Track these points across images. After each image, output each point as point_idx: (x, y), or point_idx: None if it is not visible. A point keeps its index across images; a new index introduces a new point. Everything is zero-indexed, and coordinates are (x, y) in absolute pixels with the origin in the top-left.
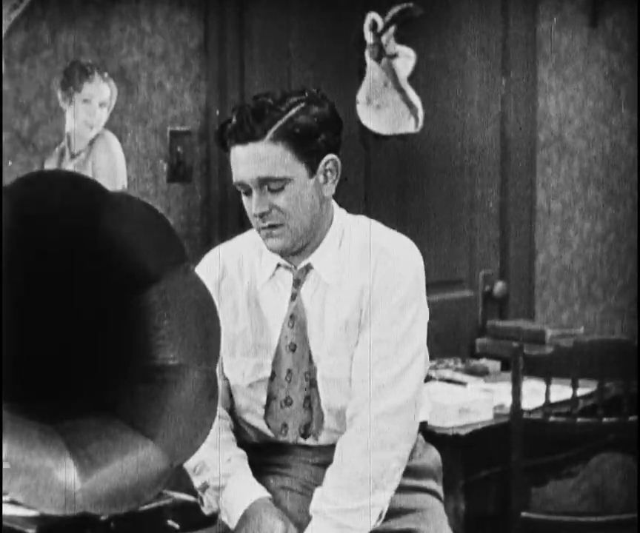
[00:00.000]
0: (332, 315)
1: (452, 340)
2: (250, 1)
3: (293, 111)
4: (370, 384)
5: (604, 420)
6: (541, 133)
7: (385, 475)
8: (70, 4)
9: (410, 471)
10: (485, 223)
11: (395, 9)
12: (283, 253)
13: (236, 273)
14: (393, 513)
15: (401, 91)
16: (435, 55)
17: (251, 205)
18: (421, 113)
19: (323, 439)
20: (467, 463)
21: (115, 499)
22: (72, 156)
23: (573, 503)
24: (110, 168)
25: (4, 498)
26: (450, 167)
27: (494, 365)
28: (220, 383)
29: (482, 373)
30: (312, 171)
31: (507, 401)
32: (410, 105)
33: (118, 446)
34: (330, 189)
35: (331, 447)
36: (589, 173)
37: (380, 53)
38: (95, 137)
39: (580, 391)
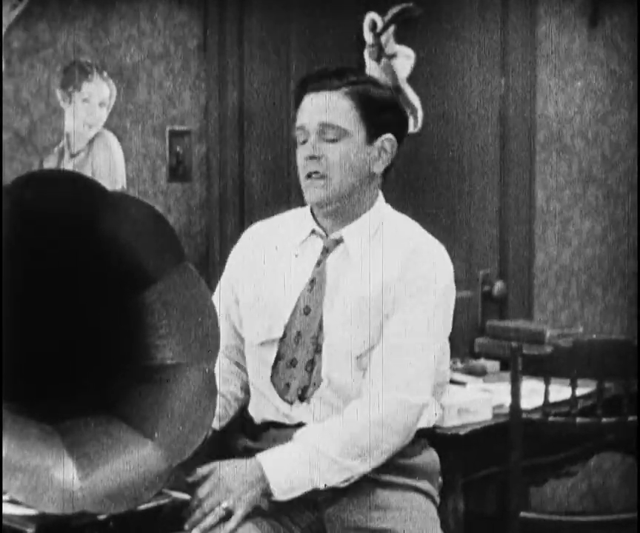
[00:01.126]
0: (351, 290)
1: (451, 340)
2: (250, 1)
3: (371, 83)
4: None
5: (604, 420)
6: (541, 133)
7: (374, 452)
8: (70, 3)
9: (405, 470)
10: (484, 223)
11: (395, 10)
12: (320, 205)
13: (268, 239)
14: (380, 507)
15: (400, 91)
16: (434, 56)
17: (304, 150)
18: (420, 113)
19: (319, 412)
20: (466, 462)
21: (114, 498)
22: (72, 156)
23: (572, 502)
24: (110, 167)
25: (4, 497)
26: (449, 167)
27: (493, 365)
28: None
29: (481, 373)
30: (371, 139)
31: (506, 401)
32: (409, 105)
33: (117, 445)
34: (379, 167)
35: None
36: (588, 173)
37: (379, 53)
38: (94, 136)
39: (579, 391)
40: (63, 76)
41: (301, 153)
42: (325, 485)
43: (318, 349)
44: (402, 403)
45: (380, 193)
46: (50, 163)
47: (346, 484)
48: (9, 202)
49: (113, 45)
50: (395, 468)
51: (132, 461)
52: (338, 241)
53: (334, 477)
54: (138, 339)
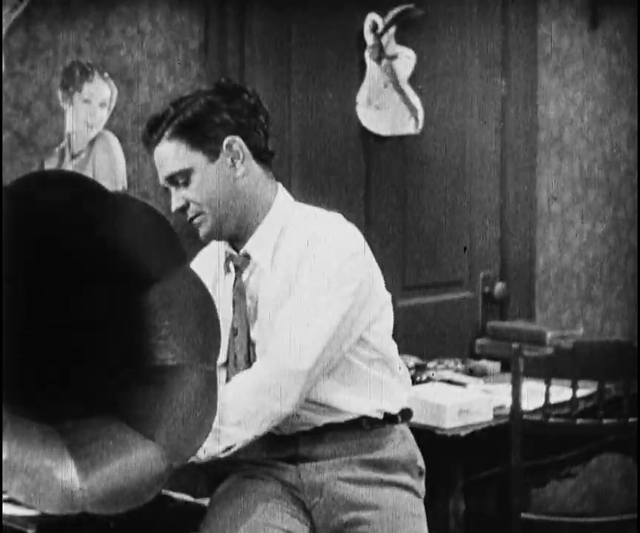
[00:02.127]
0: (267, 299)
1: (452, 341)
2: (250, 1)
3: (187, 108)
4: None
5: (604, 421)
6: (541, 134)
7: (255, 419)
8: (70, 4)
9: (380, 464)
10: (485, 224)
11: (396, 11)
12: (211, 238)
13: (204, 269)
14: (355, 507)
15: (401, 92)
16: (435, 57)
17: (171, 203)
18: (421, 114)
19: (284, 427)
20: (466, 463)
21: (115, 499)
22: (73, 156)
23: (573, 503)
24: (110, 168)
25: (4, 497)
26: (450, 168)
27: (494, 366)
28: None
29: (482, 374)
30: (213, 156)
31: (507, 402)
32: (410, 106)
33: (118, 446)
34: (239, 170)
35: (293, 438)
36: (589, 174)
37: (380, 54)
38: (95, 137)
39: (580, 393)
40: (63, 77)
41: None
42: (207, 455)
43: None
44: (283, 369)
45: (279, 188)
46: (50, 164)
47: (228, 453)
48: (9, 202)
49: (114, 46)
50: (367, 463)
51: (132, 462)
52: (247, 256)
53: (214, 446)
54: (138, 340)
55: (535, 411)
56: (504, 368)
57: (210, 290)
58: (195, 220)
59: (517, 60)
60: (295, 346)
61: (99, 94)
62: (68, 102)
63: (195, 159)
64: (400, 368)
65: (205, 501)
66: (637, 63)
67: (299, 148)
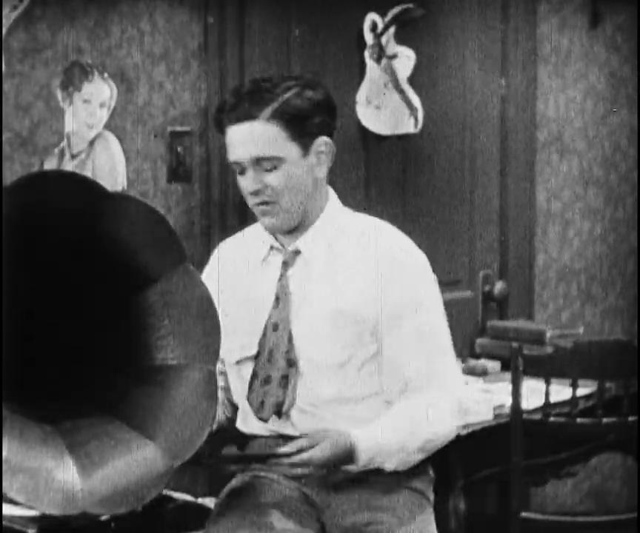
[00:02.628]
0: (318, 301)
1: (451, 340)
2: (250, 1)
3: (288, 94)
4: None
5: (604, 420)
6: (541, 134)
7: (435, 446)
8: (70, 4)
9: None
10: (485, 223)
11: (395, 10)
12: (276, 231)
13: (233, 257)
14: (371, 509)
15: (400, 91)
16: (435, 56)
17: (246, 183)
18: (420, 114)
19: (301, 427)
20: (466, 463)
21: (116, 499)
22: (72, 156)
23: (573, 503)
24: (110, 168)
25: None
26: (450, 167)
27: (494, 365)
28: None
29: (482, 373)
30: (305, 151)
31: (507, 401)
32: (409, 105)
33: (118, 446)
34: (322, 171)
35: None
36: (589, 174)
37: (380, 54)
38: (95, 137)
39: (580, 392)
40: (63, 77)
41: (243, 184)
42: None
43: (290, 364)
44: (454, 398)
45: (330, 191)
46: (50, 164)
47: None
48: (9, 203)
49: (114, 46)
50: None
51: (133, 462)
52: (297, 253)
53: (401, 464)
54: (138, 339)
55: (535, 411)
56: (504, 367)
57: (241, 284)
58: (267, 208)
59: (517, 59)
60: (449, 374)
61: (99, 94)
62: (68, 102)
63: (290, 150)
64: None
65: (205, 501)
66: (637, 62)
67: None
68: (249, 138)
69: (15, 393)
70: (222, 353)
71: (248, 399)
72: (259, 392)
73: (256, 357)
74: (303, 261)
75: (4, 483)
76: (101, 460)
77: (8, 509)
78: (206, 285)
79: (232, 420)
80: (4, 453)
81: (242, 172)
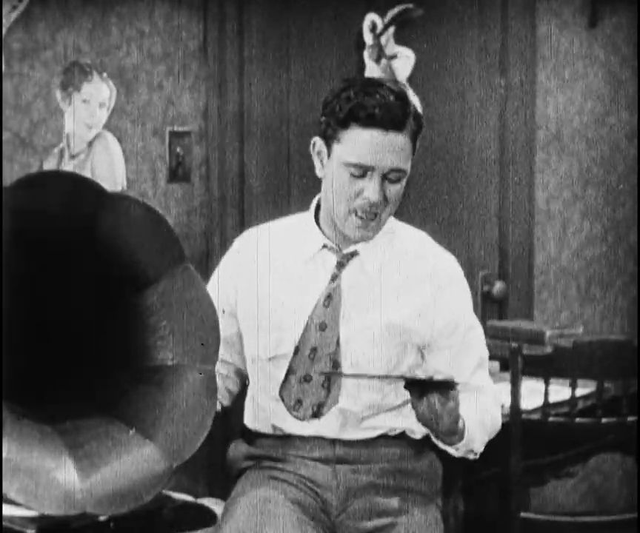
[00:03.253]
0: (373, 308)
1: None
2: (250, 1)
3: (411, 105)
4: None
5: (603, 420)
6: (540, 134)
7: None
8: (69, 4)
9: (406, 474)
10: (484, 224)
11: (395, 10)
12: (362, 241)
13: (269, 248)
14: (388, 514)
15: None
16: (434, 56)
17: (362, 190)
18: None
19: (325, 430)
20: (466, 463)
21: (115, 499)
22: (72, 156)
23: (572, 503)
24: (109, 168)
25: (4, 498)
26: (449, 168)
27: (493, 365)
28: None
29: None
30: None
31: (506, 401)
32: None
33: (118, 446)
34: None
35: (331, 442)
36: (588, 174)
37: (379, 54)
38: (94, 137)
39: (579, 392)
40: (63, 77)
41: (354, 189)
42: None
43: (335, 365)
44: (496, 396)
45: None
46: (49, 164)
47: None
48: (9, 203)
49: (113, 46)
50: (400, 473)
51: (132, 462)
52: (354, 254)
53: (464, 451)
54: (138, 340)
55: (534, 411)
56: (503, 367)
57: (279, 278)
58: (367, 221)
59: (516, 59)
60: (488, 382)
61: (98, 94)
62: (67, 102)
63: (409, 165)
64: None
65: (205, 501)
66: (636, 62)
67: (298, 147)
68: (392, 149)
69: (15, 393)
70: (250, 349)
71: (281, 395)
72: (296, 390)
73: (295, 354)
74: (359, 264)
75: (4, 483)
76: (100, 461)
77: (8, 509)
78: (205, 285)
79: (226, 410)
80: (4, 453)
81: (360, 176)
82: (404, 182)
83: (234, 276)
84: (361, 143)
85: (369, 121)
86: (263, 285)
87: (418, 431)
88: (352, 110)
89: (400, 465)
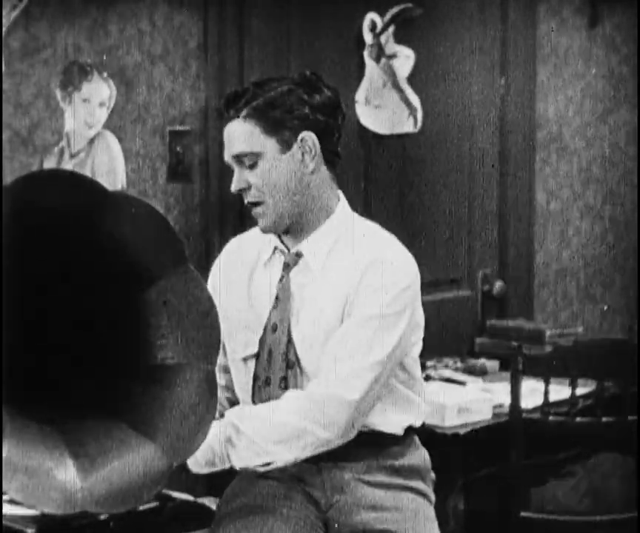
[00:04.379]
0: (314, 304)
1: (451, 340)
2: (250, 1)
3: (272, 93)
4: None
5: (603, 419)
6: (540, 133)
7: (298, 442)
8: (70, 3)
9: (397, 470)
10: (484, 223)
11: (395, 10)
12: (269, 232)
13: (242, 255)
14: (376, 508)
15: (400, 91)
16: (434, 56)
17: (232, 184)
18: (420, 113)
19: None
20: (466, 462)
21: (115, 498)
22: (72, 156)
23: (572, 502)
24: (110, 168)
25: (4, 497)
26: (449, 167)
27: (493, 364)
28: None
29: (481, 372)
30: (286, 146)
31: (506, 401)
32: (409, 105)
33: (118, 445)
34: (308, 166)
35: None
36: (588, 173)
37: (379, 53)
38: (94, 136)
39: (579, 391)
40: (63, 76)
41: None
42: (242, 465)
43: (289, 365)
44: (333, 398)
45: (340, 196)
46: (49, 164)
47: (266, 469)
48: (9, 202)
49: (113, 45)
50: (386, 469)
51: (132, 461)
52: (299, 255)
53: (252, 459)
54: (138, 339)
55: (534, 410)
56: (503, 366)
57: (245, 282)
58: (256, 210)
59: (516, 58)
60: (347, 376)
61: (98, 93)
62: (67, 102)
63: (266, 145)
64: (422, 384)
65: (205, 501)
66: (636, 61)
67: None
68: (229, 138)
69: (15, 393)
70: (229, 349)
71: (252, 400)
72: (262, 394)
73: (257, 357)
74: (304, 264)
75: (4, 483)
76: (100, 460)
77: (8, 509)
78: (205, 284)
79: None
80: (4, 453)
81: (231, 173)
82: (266, 164)
83: (217, 283)
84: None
85: (220, 118)
86: (234, 290)
87: (398, 427)
88: (217, 113)
89: (386, 460)
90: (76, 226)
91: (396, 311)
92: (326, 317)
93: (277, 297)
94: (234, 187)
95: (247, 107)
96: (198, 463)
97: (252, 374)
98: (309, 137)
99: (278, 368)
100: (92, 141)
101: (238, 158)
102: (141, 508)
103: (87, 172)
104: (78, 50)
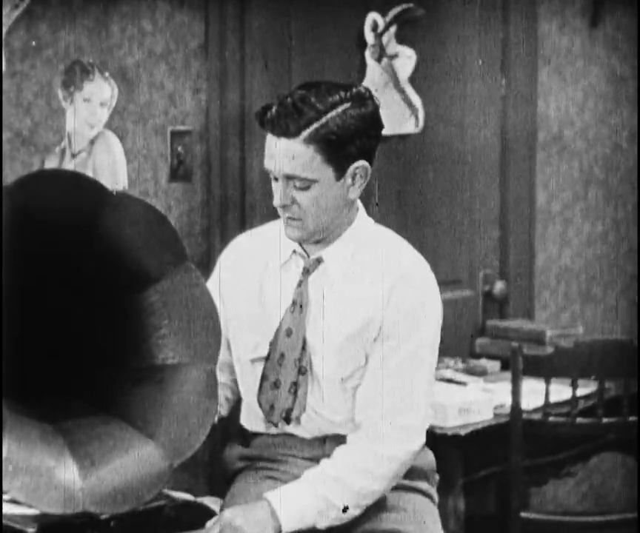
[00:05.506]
0: (334, 313)
1: (452, 340)
2: (251, 0)
3: (332, 113)
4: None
5: (604, 420)
6: (541, 133)
7: (364, 500)
8: (71, 3)
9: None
10: (485, 223)
11: (396, 10)
12: (297, 241)
13: (252, 254)
14: (382, 509)
15: (401, 91)
16: (435, 56)
17: (275, 194)
18: (421, 113)
19: (310, 431)
20: (466, 462)
21: (116, 498)
22: (73, 155)
23: (573, 502)
24: (111, 167)
25: (5, 497)
26: (450, 167)
27: (494, 365)
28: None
29: (482, 373)
30: (340, 174)
31: (507, 401)
32: (410, 105)
33: (119, 445)
34: (355, 192)
35: (320, 441)
36: (589, 173)
37: (380, 53)
38: (95, 136)
39: (580, 392)
40: (64, 76)
41: (273, 192)
42: (326, 527)
43: (301, 371)
44: (393, 456)
45: (359, 204)
46: (51, 163)
47: (337, 523)
48: (10, 202)
49: (114, 45)
50: None
51: (133, 461)
52: (319, 261)
53: (337, 522)
54: (139, 339)
55: (534, 411)
56: (504, 367)
57: (256, 282)
58: (293, 222)
59: (517, 59)
60: (403, 429)
61: (100, 93)
62: (69, 101)
63: (324, 173)
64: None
65: (205, 501)
66: (637, 62)
67: None
68: (284, 155)
69: (16, 392)
70: (237, 350)
71: (259, 400)
72: (269, 396)
73: (267, 359)
74: (323, 270)
75: (5, 482)
76: (101, 459)
77: (8, 508)
78: (206, 284)
79: (223, 418)
80: (5, 452)
81: (275, 179)
82: (318, 190)
83: (227, 279)
84: (266, 146)
85: (266, 127)
86: (245, 288)
87: None
88: (258, 115)
89: None
90: (77, 226)
91: (432, 343)
92: (345, 327)
93: (294, 302)
94: (279, 202)
95: (307, 129)
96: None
97: (260, 375)
98: (363, 167)
99: (289, 372)
100: (93, 140)
101: (291, 177)
102: (142, 507)
103: (88, 172)
104: (80, 50)
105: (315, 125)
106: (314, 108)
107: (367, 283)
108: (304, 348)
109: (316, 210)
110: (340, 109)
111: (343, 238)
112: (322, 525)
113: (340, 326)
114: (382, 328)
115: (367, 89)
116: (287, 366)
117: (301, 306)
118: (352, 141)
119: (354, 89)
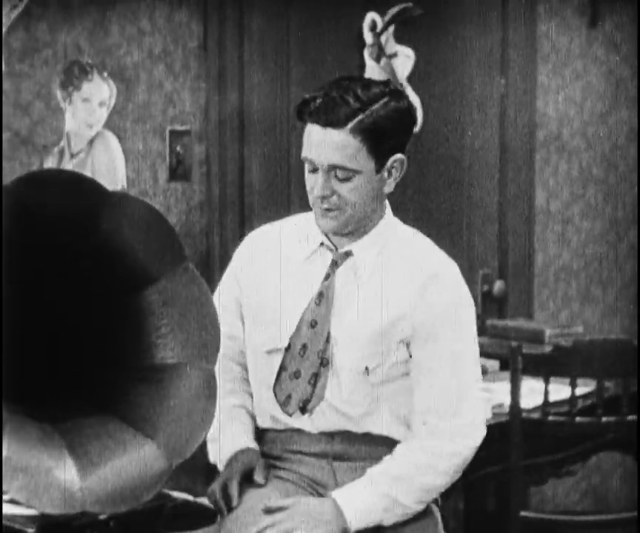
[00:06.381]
0: (361, 308)
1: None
2: (250, 1)
3: (376, 105)
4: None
5: (603, 419)
6: (540, 133)
7: (428, 495)
8: (70, 3)
9: None
10: (484, 223)
11: (395, 9)
12: (331, 232)
13: (275, 245)
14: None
15: None
16: (434, 55)
17: (314, 184)
18: (420, 113)
19: (320, 426)
20: None
21: (115, 498)
22: (72, 155)
23: (572, 502)
24: (110, 167)
25: (5, 497)
26: (449, 166)
27: (493, 364)
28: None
29: (481, 372)
30: (380, 167)
31: (506, 400)
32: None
33: (118, 445)
34: (390, 186)
35: (328, 437)
36: (588, 173)
37: (379, 53)
38: (94, 136)
39: (579, 391)
40: (63, 76)
41: (311, 183)
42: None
43: (323, 363)
44: (456, 452)
45: (387, 202)
46: (49, 163)
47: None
48: (9, 202)
49: (113, 45)
50: None
51: (132, 461)
52: (347, 255)
53: (403, 518)
54: (138, 338)
55: (534, 410)
56: (503, 366)
57: (276, 274)
58: (330, 213)
59: (516, 58)
60: (462, 427)
61: (98, 93)
62: (67, 101)
63: (366, 165)
64: None
65: (205, 500)
66: (636, 61)
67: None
68: (330, 145)
69: (15, 392)
70: (252, 341)
71: (274, 390)
72: (287, 386)
73: (287, 349)
74: (352, 264)
75: (4, 482)
76: (100, 459)
77: (8, 508)
78: (206, 284)
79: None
80: (4, 452)
81: (313, 171)
82: (359, 181)
83: (245, 271)
84: (306, 138)
85: (310, 117)
86: (264, 280)
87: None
88: (299, 106)
89: None
90: (76, 225)
91: (476, 342)
92: (372, 322)
93: (320, 294)
94: (319, 193)
95: (353, 120)
96: (356, 528)
97: (277, 365)
98: (400, 160)
99: (310, 364)
100: (92, 140)
101: (334, 168)
102: (141, 507)
103: (87, 172)
104: (79, 50)
105: (361, 116)
106: (360, 100)
107: (396, 280)
108: (327, 340)
109: (356, 202)
110: (382, 102)
111: (373, 233)
112: (388, 522)
113: (367, 320)
114: (415, 327)
115: (403, 90)
116: (309, 357)
117: (327, 299)
118: (394, 133)
119: (391, 85)
